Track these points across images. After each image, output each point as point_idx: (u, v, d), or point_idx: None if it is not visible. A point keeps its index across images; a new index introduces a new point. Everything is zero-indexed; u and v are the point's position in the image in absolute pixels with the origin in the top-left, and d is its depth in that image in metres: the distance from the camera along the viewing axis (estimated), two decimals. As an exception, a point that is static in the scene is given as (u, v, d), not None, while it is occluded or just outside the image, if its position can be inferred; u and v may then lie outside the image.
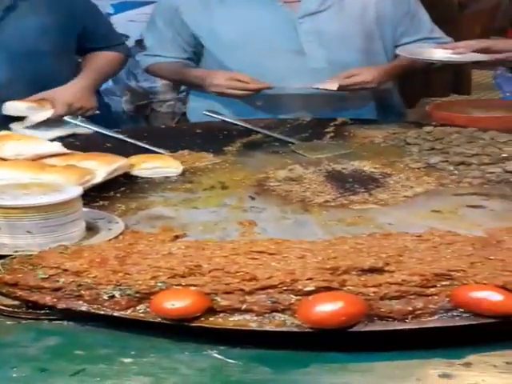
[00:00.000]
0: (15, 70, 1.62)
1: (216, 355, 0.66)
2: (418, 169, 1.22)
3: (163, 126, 1.87)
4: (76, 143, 1.42)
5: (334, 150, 1.38)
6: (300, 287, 0.66)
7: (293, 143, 1.44)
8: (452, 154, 1.25)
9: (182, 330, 0.67)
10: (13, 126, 1.50)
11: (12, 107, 1.53)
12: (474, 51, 1.52)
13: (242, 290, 0.66)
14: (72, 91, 1.62)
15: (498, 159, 1.20)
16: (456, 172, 1.19)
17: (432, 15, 1.88)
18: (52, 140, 1.31)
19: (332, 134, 1.53)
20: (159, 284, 0.67)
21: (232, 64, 1.74)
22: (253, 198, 1.11)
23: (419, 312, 0.65)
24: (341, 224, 0.98)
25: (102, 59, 1.81)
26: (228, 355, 0.65)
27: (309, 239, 0.84)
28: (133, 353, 0.66)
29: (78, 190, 0.88)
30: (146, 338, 0.68)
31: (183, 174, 1.24)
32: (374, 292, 0.66)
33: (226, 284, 0.66)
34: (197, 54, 1.85)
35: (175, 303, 0.64)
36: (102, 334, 0.70)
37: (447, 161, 1.23)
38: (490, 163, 1.19)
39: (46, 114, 1.51)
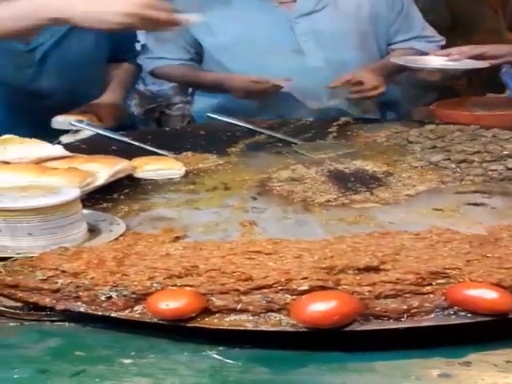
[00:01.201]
0: (64, 79, 1.65)
1: (215, 356, 0.65)
2: (421, 167, 1.22)
3: (167, 129, 1.87)
4: (81, 146, 1.42)
5: (336, 150, 1.37)
6: (295, 287, 0.65)
7: (296, 143, 1.44)
8: (454, 152, 1.24)
9: (181, 331, 0.67)
10: (63, 138, 1.51)
11: (62, 121, 1.55)
12: (468, 58, 1.51)
13: (237, 290, 0.65)
14: (114, 104, 1.67)
15: (500, 156, 1.19)
16: (458, 170, 1.18)
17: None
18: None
19: (335, 134, 1.53)
20: (155, 285, 0.67)
21: (231, 65, 1.75)
22: (255, 199, 1.10)
23: (415, 311, 0.64)
24: (341, 223, 0.98)
25: (125, 72, 1.86)
26: (227, 356, 0.65)
27: (309, 239, 0.83)
28: (133, 353, 0.65)
29: (75, 192, 0.88)
30: (145, 338, 0.68)
31: (186, 175, 1.24)
32: (369, 291, 0.65)
33: (221, 284, 0.66)
34: (199, 54, 1.86)
35: (170, 304, 0.63)
36: (102, 334, 0.70)
37: (449, 159, 1.22)
38: (491, 161, 1.18)
39: (96, 128, 1.53)
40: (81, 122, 1.53)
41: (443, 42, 1.94)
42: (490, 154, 1.20)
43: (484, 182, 1.12)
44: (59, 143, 1.43)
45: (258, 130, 1.54)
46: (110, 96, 1.73)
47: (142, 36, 1.91)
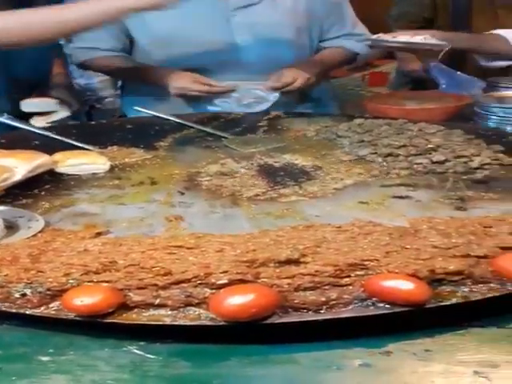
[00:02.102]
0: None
1: (136, 351, 0.65)
2: (349, 161, 1.24)
3: (93, 122, 1.83)
4: (1, 141, 1.38)
5: (266, 144, 1.38)
6: (214, 280, 0.66)
7: (226, 138, 1.44)
8: (381, 146, 1.27)
9: (100, 327, 0.66)
10: (34, 121, 1.56)
11: (30, 104, 1.63)
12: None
13: (155, 284, 0.65)
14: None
15: (425, 150, 1.23)
16: (384, 164, 1.21)
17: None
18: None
19: (265, 128, 1.54)
20: (71, 281, 0.66)
21: (161, 57, 1.72)
22: (182, 193, 1.10)
23: (333, 302, 0.66)
24: (268, 217, 0.99)
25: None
26: (148, 350, 0.65)
27: (235, 233, 0.84)
28: (51, 351, 0.65)
29: (-16, 188, 0.86)
30: (64, 335, 0.67)
31: (111, 170, 1.22)
32: (288, 283, 0.66)
33: (139, 279, 0.65)
34: (131, 43, 1.82)
35: (84, 300, 0.63)
36: (19, 332, 0.69)
37: (376, 153, 1.25)
38: (417, 154, 1.22)
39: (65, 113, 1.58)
40: (1, 115, 1.50)
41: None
42: (416, 148, 1.24)
43: (409, 175, 1.15)
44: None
45: (187, 123, 1.53)
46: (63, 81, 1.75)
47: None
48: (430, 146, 1.24)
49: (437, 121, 1.47)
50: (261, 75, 1.70)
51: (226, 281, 0.66)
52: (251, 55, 1.73)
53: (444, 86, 1.97)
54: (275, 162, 1.26)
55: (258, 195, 1.08)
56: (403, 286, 0.66)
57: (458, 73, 2.00)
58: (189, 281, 0.67)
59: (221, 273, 0.68)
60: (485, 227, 0.85)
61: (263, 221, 0.97)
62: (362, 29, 1.95)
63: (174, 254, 0.74)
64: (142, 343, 0.66)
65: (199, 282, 0.67)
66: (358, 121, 1.46)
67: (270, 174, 1.19)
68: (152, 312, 0.65)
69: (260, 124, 1.57)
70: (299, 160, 1.27)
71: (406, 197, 1.06)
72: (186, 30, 1.71)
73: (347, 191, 1.09)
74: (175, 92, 1.68)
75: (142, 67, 1.79)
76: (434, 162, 1.18)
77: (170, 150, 1.38)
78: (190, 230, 0.92)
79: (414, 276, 0.68)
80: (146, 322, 0.64)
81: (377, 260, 0.71)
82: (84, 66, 1.90)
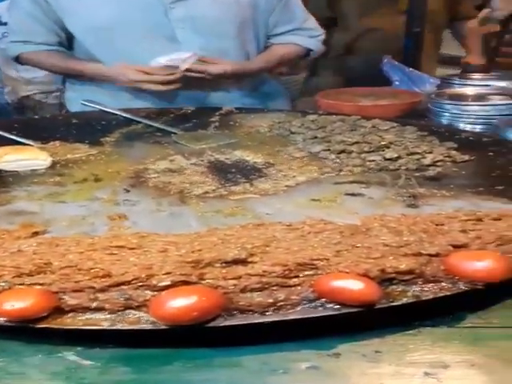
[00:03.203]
0: None
1: (72, 357, 0.62)
2: (301, 158, 1.23)
3: (37, 117, 1.78)
4: None
5: (218, 140, 1.36)
6: (155, 282, 0.63)
7: (175, 133, 1.42)
8: (334, 143, 1.26)
9: (34, 332, 0.63)
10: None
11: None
12: None
13: (92, 287, 0.62)
14: None
15: (378, 147, 1.23)
16: (337, 160, 1.20)
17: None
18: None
19: (217, 124, 1.52)
20: (1, 284, 0.63)
21: (99, 51, 1.67)
22: (127, 191, 1.07)
23: (281, 304, 0.64)
24: (218, 215, 0.97)
25: None
26: (85, 356, 0.62)
27: (181, 232, 0.82)
28: (-20, 357, 0.62)
29: None
30: (-6, 341, 0.64)
31: (53, 166, 1.18)
32: (233, 284, 0.64)
33: (75, 282, 0.63)
34: (69, 38, 1.76)
35: (15, 304, 0.60)
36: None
37: (329, 149, 1.24)
38: (370, 151, 1.22)
39: None
40: None
41: (323, 36, 1.95)
42: (369, 145, 1.23)
43: (362, 172, 1.15)
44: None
45: (135, 118, 1.50)
46: None
47: (4, 13, 1.79)
48: (383, 142, 1.24)
49: (391, 117, 1.48)
50: None
51: (168, 282, 0.64)
52: (193, 49, 1.68)
53: (397, 83, 1.99)
54: (226, 159, 1.24)
55: (207, 193, 1.06)
56: (353, 285, 0.65)
57: (411, 69, 2.02)
58: (129, 283, 0.65)
59: (163, 274, 0.65)
60: (436, 225, 0.85)
61: (212, 219, 0.95)
62: (312, 23, 1.91)
63: (115, 254, 0.71)
64: (79, 349, 0.63)
65: (140, 283, 0.65)
66: (311, 117, 1.46)
67: (221, 170, 1.17)
68: (89, 316, 0.62)
69: (211, 119, 1.55)
70: (251, 157, 1.25)
71: (359, 194, 1.05)
72: (123, 22, 1.64)
73: (299, 188, 1.08)
74: (128, 85, 1.64)
75: (77, 64, 1.73)
76: (386, 159, 1.18)
77: (116, 145, 1.35)
78: (133, 229, 0.89)
79: (364, 275, 0.67)
80: (81, 327, 0.61)
81: (327, 259, 0.70)
82: (20, 60, 1.81)
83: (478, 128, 1.50)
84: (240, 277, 0.66)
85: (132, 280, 0.65)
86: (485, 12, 1.80)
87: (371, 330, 0.67)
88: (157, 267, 0.67)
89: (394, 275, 0.69)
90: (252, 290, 0.66)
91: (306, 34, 1.90)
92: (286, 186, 1.09)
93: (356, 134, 1.30)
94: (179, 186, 1.09)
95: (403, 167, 1.16)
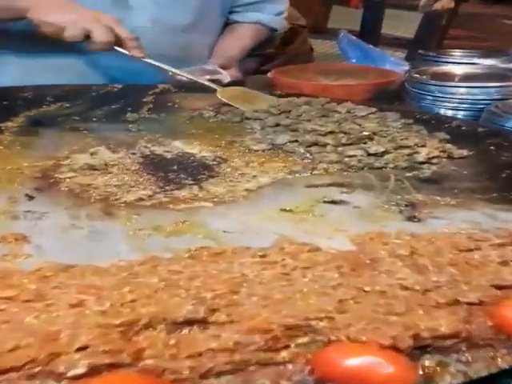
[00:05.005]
0: None
1: None
2: (262, 151, 1.02)
3: None
4: None
5: (152, 127, 1.14)
6: (63, 368, 0.41)
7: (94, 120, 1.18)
8: (302, 132, 1.06)
9: None
10: None
11: None
12: None
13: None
14: None
15: (359, 139, 1.03)
16: (308, 155, 1.00)
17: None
18: None
19: (151, 106, 1.30)
20: None
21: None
22: (31, 198, 0.83)
23: (265, 394, 0.43)
24: (157, 234, 0.74)
25: None
26: None
27: (105, 263, 0.62)
28: None
29: None
30: None
31: None
32: (190, 368, 0.42)
33: None
34: None
35: None
36: None
37: (297, 141, 1.03)
38: (348, 144, 1.02)
39: None
40: None
41: (287, 12, 1.83)
42: (347, 136, 1.03)
43: (341, 171, 0.95)
44: None
45: (47, 99, 1.27)
46: None
47: None
48: (364, 133, 1.05)
49: (357, 99, 1.30)
50: (153, 43, 1.47)
51: (83, 369, 0.42)
52: (144, 20, 1.55)
53: (354, 61, 1.84)
54: (165, 152, 1.03)
55: (141, 200, 0.84)
56: (378, 367, 0.44)
57: (370, 46, 1.87)
58: (19, 369, 0.42)
59: (75, 351, 0.43)
60: (460, 250, 0.66)
61: (149, 241, 0.72)
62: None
63: (1, 311, 0.48)
64: None
65: (37, 369, 0.42)
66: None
67: (159, 168, 0.95)
68: None
69: (144, 100, 1.33)
70: (196, 149, 1.04)
71: (341, 201, 0.85)
72: None
73: (263, 193, 0.87)
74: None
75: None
76: (370, 154, 0.99)
77: (20, 132, 1.10)
78: (36, 258, 0.66)
79: (391, 348, 0.46)
80: None
81: (329, 318, 0.49)
82: None
83: (460, 114, 1.32)
84: (200, 354, 0.44)
85: (26, 364, 0.42)
86: None
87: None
88: (66, 337, 0.44)
89: (429, 341, 0.49)
90: (218, 375, 0.44)
91: (271, 11, 1.78)
92: (246, 189, 0.88)
93: (329, 122, 1.10)
94: (103, 190, 0.86)
95: (391, 164, 0.97)
